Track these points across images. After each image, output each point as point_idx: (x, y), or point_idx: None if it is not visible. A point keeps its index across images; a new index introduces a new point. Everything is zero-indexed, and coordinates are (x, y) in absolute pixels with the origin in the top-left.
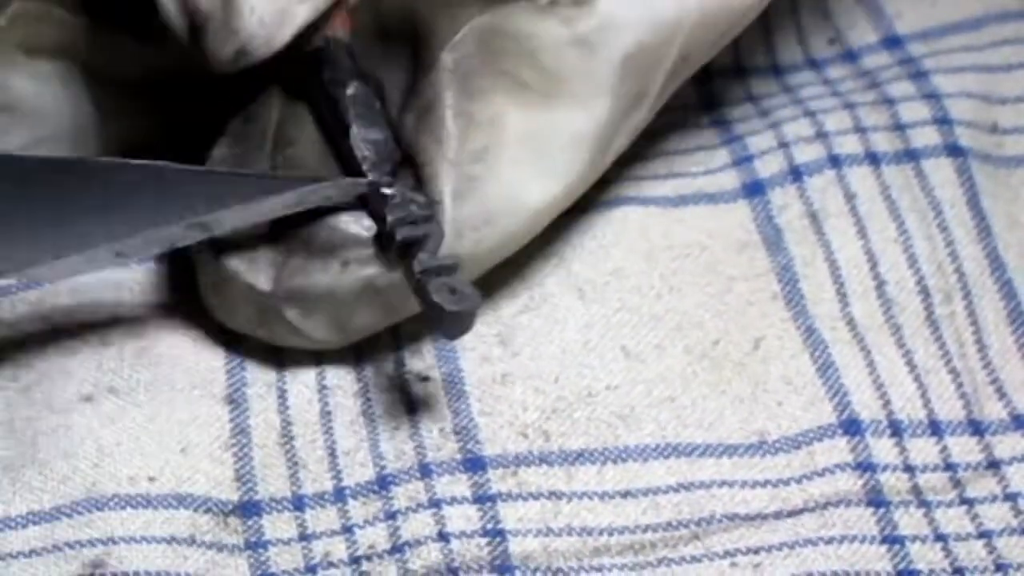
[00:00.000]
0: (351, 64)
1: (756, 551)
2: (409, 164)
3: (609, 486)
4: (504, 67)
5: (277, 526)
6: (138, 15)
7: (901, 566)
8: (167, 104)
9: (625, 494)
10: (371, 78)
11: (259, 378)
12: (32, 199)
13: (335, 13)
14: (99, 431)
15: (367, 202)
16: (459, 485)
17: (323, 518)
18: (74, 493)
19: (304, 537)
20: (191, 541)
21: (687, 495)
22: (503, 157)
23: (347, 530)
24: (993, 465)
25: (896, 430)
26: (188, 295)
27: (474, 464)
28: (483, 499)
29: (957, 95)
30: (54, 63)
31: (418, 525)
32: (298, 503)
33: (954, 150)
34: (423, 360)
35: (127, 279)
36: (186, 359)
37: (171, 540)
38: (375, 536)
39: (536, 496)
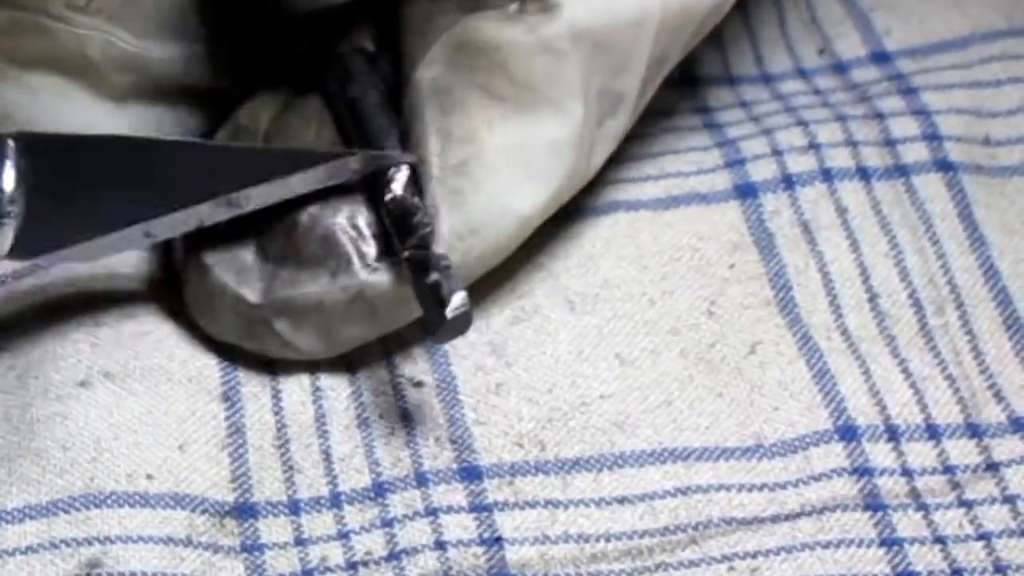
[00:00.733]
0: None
1: (754, 555)
2: None
3: (606, 493)
4: (477, 80)
5: (273, 529)
6: None
7: (900, 568)
8: (164, 116)
9: (622, 500)
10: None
11: (253, 377)
12: (60, 179)
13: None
14: (96, 423)
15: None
16: (455, 494)
17: (319, 523)
18: (72, 487)
19: (300, 541)
20: (187, 542)
21: (684, 500)
22: (485, 169)
23: (343, 536)
24: (992, 467)
25: (893, 434)
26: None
27: (470, 473)
28: (479, 508)
29: (946, 111)
30: (46, 76)
31: (415, 533)
32: (294, 507)
33: (944, 165)
34: (415, 365)
35: (120, 265)
36: (181, 350)
37: (168, 540)
38: (372, 542)
39: (532, 505)
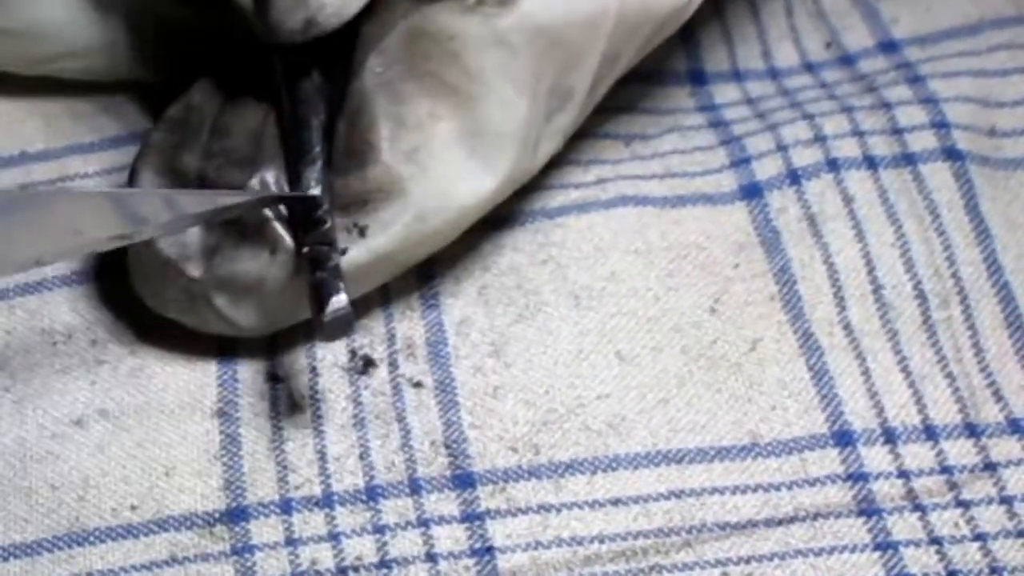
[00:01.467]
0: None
1: (748, 560)
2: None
3: (599, 495)
4: (430, 69)
5: (264, 531)
6: None
7: (895, 571)
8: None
9: (615, 502)
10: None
11: (252, 388)
12: None
13: None
14: (87, 461)
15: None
16: (448, 503)
17: (310, 523)
18: (57, 527)
19: (291, 542)
20: (171, 561)
21: (678, 502)
22: (433, 157)
23: (334, 537)
24: (989, 467)
25: (890, 437)
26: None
27: (463, 481)
28: (471, 517)
29: (954, 99)
30: None
31: (406, 544)
32: (285, 506)
33: (952, 154)
34: (416, 365)
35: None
36: (178, 376)
37: (150, 565)
38: (362, 547)
39: (525, 511)
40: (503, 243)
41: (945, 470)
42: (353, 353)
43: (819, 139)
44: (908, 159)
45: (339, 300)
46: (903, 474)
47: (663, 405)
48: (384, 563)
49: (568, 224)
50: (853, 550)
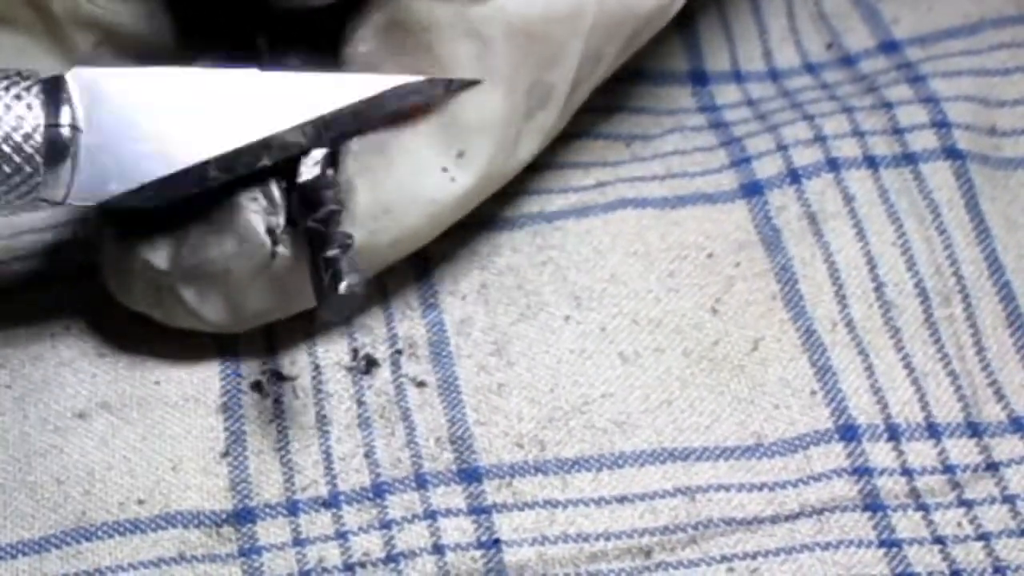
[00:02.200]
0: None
1: (753, 556)
2: None
3: (605, 492)
4: (404, 61)
5: (271, 532)
6: None
7: (899, 569)
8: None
9: (621, 499)
10: None
11: (255, 385)
12: (122, 115)
13: None
14: (92, 454)
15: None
16: (454, 497)
17: (317, 523)
18: (64, 522)
19: (298, 542)
20: (179, 559)
21: (684, 499)
22: (402, 150)
23: (341, 536)
24: (992, 467)
25: (893, 434)
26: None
27: (469, 475)
28: (478, 511)
29: (955, 99)
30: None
31: (413, 536)
32: (292, 508)
33: (952, 153)
34: (419, 364)
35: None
36: (180, 370)
37: (159, 562)
38: (369, 544)
39: (531, 506)
40: (500, 243)
41: (948, 469)
42: (355, 353)
43: (819, 139)
44: (909, 158)
45: (356, 276)
46: (906, 471)
47: (667, 406)
48: (391, 557)
49: (567, 228)
50: (859, 545)
